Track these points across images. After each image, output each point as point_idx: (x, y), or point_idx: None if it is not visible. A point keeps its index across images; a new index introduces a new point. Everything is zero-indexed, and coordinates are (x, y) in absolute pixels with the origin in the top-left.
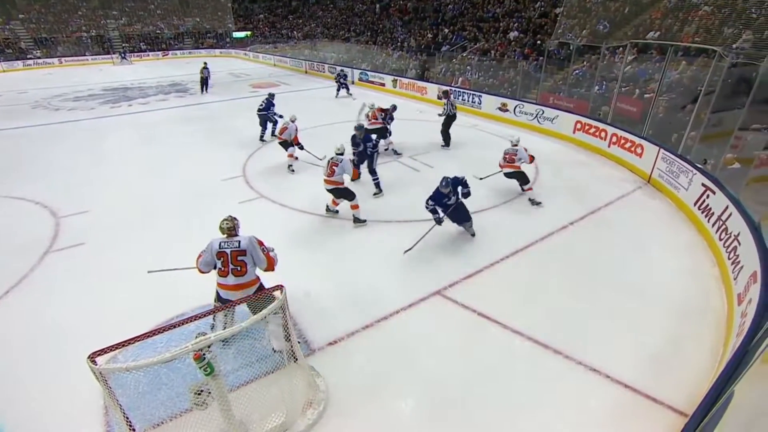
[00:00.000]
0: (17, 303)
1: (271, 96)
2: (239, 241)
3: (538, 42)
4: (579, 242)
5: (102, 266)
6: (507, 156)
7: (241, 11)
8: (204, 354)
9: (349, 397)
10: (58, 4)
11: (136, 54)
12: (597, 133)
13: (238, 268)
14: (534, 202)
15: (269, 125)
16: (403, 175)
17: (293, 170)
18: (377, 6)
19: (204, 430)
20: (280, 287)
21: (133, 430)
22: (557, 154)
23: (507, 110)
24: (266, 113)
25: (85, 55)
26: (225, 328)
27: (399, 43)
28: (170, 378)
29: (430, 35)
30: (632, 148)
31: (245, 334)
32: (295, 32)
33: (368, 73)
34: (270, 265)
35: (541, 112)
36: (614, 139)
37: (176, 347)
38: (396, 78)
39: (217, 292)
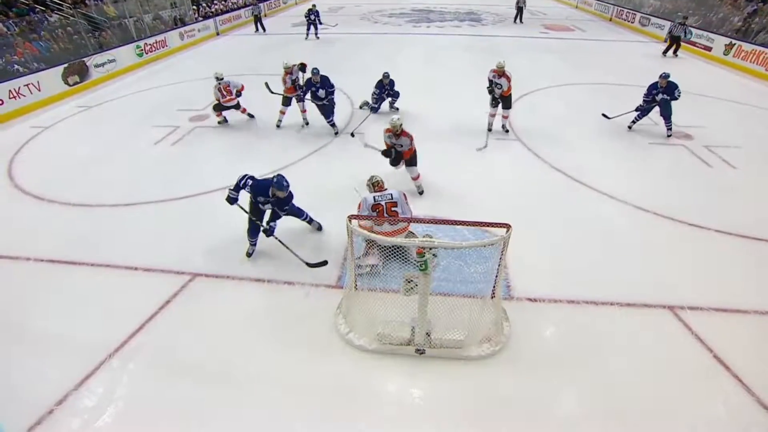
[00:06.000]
0: (314, 163)
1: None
2: (391, 194)
3: None
4: None
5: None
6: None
7: None
8: (425, 252)
9: (523, 355)
10: None
11: None
12: None
13: (391, 217)
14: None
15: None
16: (686, 164)
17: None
18: None
19: (401, 309)
20: (507, 226)
21: (356, 282)
22: None
23: None
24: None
25: None
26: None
27: None
28: (392, 262)
29: None
30: None
31: (457, 256)
32: None
33: (693, 30)
34: (411, 215)
35: None
36: None
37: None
38: (734, 42)
39: None
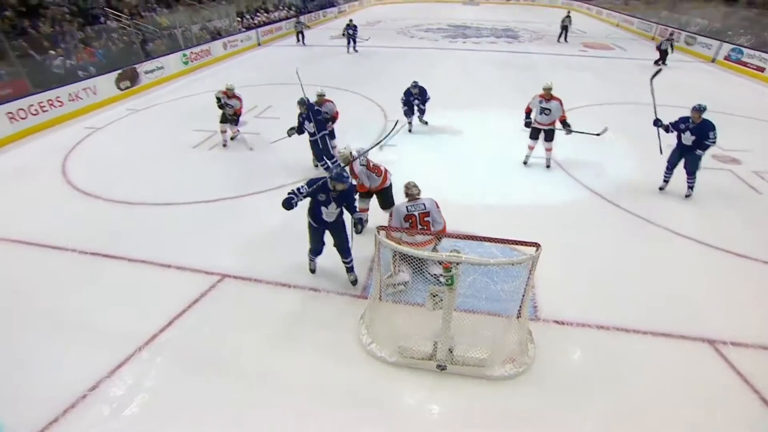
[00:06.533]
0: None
1: None
2: (424, 204)
3: None
4: None
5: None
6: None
7: None
8: (452, 267)
9: (548, 379)
10: None
11: None
12: None
13: (424, 228)
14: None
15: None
16: (732, 190)
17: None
18: None
19: (424, 324)
20: (536, 245)
21: (381, 294)
22: None
23: None
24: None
25: None
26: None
27: None
28: (419, 276)
29: None
30: None
31: (484, 272)
32: None
33: (744, 50)
34: (444, 228)
35: None
36: None
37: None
38: None
39: None
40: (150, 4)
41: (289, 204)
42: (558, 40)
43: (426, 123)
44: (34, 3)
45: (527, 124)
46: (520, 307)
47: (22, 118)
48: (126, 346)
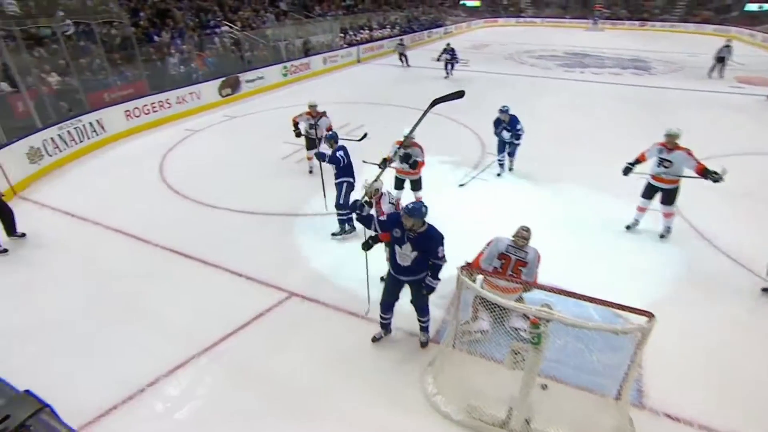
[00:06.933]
0: (444, 197)
1: None
2: (527, 253)
3: None
4: None
5: (492, 206)
6: None
7: None
8: (540, 324)
9: None
10: None
11: (611, 21)
12: None
13: (514, 275)
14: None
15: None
16: None
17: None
18: None
19: (500, 384)
20: (649, 314)
21: (455, 341)
22: None
23: None
24: None
25: (564, 18)
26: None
27: None
28: (500, 328)
29: None
30: None
31: (578, 336)
32: None
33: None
34: (535, 281)
35: None
36: None
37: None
38: None
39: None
40: (261, 17)
41: (354, 205)
42: (709, 75)
43: (511, 170)
44: (165, 8)
45: (626, 171)
46: (621, 386)
47: (136, 116)
48: (187, 348)
